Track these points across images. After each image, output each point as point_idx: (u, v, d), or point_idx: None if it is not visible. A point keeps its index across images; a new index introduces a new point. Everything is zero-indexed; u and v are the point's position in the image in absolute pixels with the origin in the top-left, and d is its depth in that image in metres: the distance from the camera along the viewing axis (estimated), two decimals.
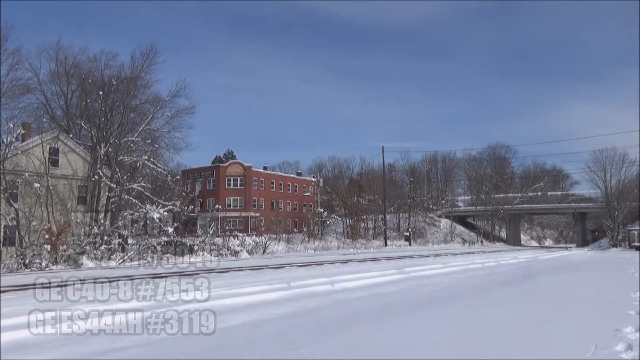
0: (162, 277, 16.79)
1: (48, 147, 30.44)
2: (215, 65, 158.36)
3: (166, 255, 30.42)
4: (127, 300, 9.85)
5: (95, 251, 26.61)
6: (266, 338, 6.34)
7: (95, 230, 29.56)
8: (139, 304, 9.24)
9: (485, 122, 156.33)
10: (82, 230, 30.36)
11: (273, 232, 47.91)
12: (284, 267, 21.58)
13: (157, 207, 32.43)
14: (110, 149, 32.31)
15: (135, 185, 32.78)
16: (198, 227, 56.34)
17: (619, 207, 61.58)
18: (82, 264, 24.78)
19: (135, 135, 33.86)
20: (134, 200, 32.70)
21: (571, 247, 63.23)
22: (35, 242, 25.22)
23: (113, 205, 31.78)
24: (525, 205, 79.34)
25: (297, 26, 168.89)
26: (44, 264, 23.28)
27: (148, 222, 32.10)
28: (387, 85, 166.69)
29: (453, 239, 70.06)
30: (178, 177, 56.25)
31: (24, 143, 30.02)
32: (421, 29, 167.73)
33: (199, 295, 10.52)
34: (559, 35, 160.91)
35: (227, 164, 67.62)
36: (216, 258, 31.98)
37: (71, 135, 34.87)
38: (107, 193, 31.55)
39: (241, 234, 39.94)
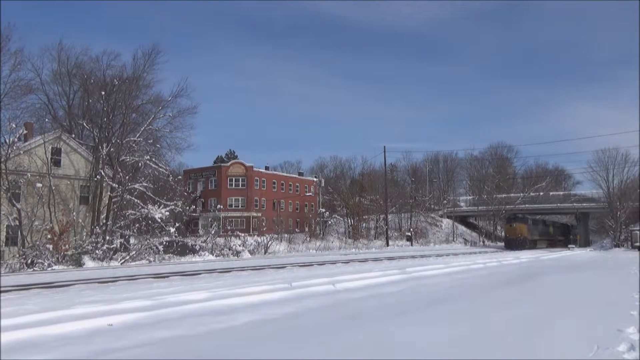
0: (164, 277, 16.81)
1: (50, 147, 30.51)
2: (220, 67, 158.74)
3: (168, 255, 30.47)
4: (129, 300, 9.86)
5: (97, 251, 26.65)
6: (268, 338, 6.33)
7: (97, 230, 29.64)
8: (140, 304, 9.24)
9: (487, 122, 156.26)
10: (84, 230, 30.44)
11: (275, 232, 47.92)
12: (285, 267, 21.58)
13: (159, 207, 32.49)
14: (112, 149, 32.35)
15: (137, 185, 32.82)
16: (200, 227, 56.52)
17: (622, 207, 61.39)
18: (84, 264, 24.82)
19: (137, 135, 33.89)
20: (135, 200, 32.76)
21: (573, 247, 63.06)
22: (38, 242, 25.26)
23: (115, 205, 31.83)
24: (527, 205, 79.14)
25: (304, 28, 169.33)
26: (46, 264, 23.32)
27: (150, 222, 32.17)
28: (389, 86, 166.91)
29: (455, 239, 69.97)
30: (180, 177, 56.37)
31: (27, 143, 30.08)
32: (425, 31, 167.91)
33: (201, 295, 10.53)
34: (561, 37, 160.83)
35: (229, 164, 67.67)
36: (218, 258, 32.02)
37: (73, 136, 34.95)
38: (109, 193, 31.58)
39: (243, 234, 39.95)
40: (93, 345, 5.97)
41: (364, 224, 64.41)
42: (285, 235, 50.11)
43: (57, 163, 31.25)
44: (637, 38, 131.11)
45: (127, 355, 5.46)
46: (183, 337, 6.45)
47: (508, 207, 76.13)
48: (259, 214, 63.79)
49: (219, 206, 56.90)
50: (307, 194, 71.75)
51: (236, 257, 32.94)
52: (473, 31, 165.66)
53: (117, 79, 33.57)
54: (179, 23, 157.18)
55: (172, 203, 34.40)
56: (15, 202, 27.30)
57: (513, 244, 54.65)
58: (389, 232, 58.68)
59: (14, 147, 28.02)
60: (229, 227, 53.55)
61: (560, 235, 71.61)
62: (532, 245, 56.36)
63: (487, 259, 28.68)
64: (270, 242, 39.33)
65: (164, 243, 31.02)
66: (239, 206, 64.38)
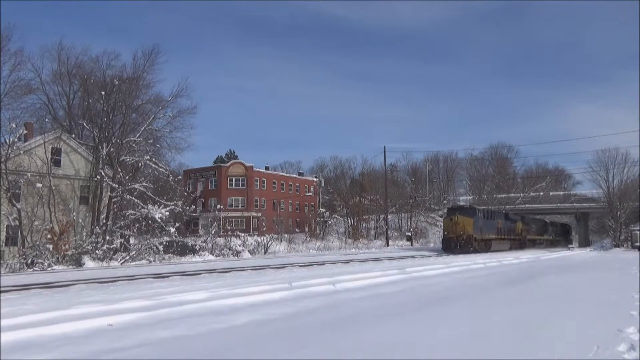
0: (164, 277, 16.81)
1: (50, 147, 30.51)
2: (220, 67, 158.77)
3: (168, 255, 30.47)
4: (129, 300, 9.85)
5: (97, 251, 26.66)
6: (268, 338, 6.33)
7: (97, 230, 29.65)
8: (140, 304, 9.24)
9: (487, 123, 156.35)
10: (84, 230, 30.44)
11: (275, 232, 47.94)
12: (285, 267, 21.57)
13: (159, 207, 32.50)
14: (112, 149, 32.36)
15: (137, 185, 32.83)
16: (200, 227, 56.54)
17: (621, 207, 61.34)
18: (84, 264, 24.82)
19: (137, 135, 33.91)
20: (135, 200, 32.76)
21: (573, 247, 63.03)
22: (38, 242, 25.26)
23: (115, 205, 31.83)
24: (527, 205, 79.05)
25: (305, 29, 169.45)
26: (46, 264, 23.33)
27: (150, 222, 32.18)
28: (389, 86, 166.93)
29: None
30: (180, 177, 56.34)
31: (27, 143, 30.09)
32: (425, 32, 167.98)
33: (201, 295, 10.53)
34: (561, 37, 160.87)
35: (229, 164, 67.68)
36: (218, 258, 32.02)
37: (73, 136, 34.95)
38: (109, 193, 31.59)
39: (243, 234, 39.98)
40: (93, 345, 5.97)
41: (364, 224, 64.41)
42: (285, 235, 50.12)
43: (57, 163, 31.25)
44: (637, 38, 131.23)
45: (127, 355, 5.45)
46: (183, 337, 6.45)
47: (508, 207, 76.07)
48: (259, 214, 63.78)
49: (219, 206, 56.88)
50: (307, 194, 71.74)
51: (236, 257, 32.94)
52: (473, 31, 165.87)
53: (117, 79, 33.58)
54: (180, 23, 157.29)
55: (172, 203, 34.40)
56: (15, 202, 27.30)
57: (452, 244, 39.36)
58: (389, 232, 58.65)
59: (14, 147, 28.04)
60: (229, 227, 53.56)
61: (537, 234, 58.50)
62: (482, 247, 40.62)
63: (487, 258, 28.63)
64: (270, 242, 39.33)
65: (164, 243, 31.03)
66: (239, 206, 64.38)
